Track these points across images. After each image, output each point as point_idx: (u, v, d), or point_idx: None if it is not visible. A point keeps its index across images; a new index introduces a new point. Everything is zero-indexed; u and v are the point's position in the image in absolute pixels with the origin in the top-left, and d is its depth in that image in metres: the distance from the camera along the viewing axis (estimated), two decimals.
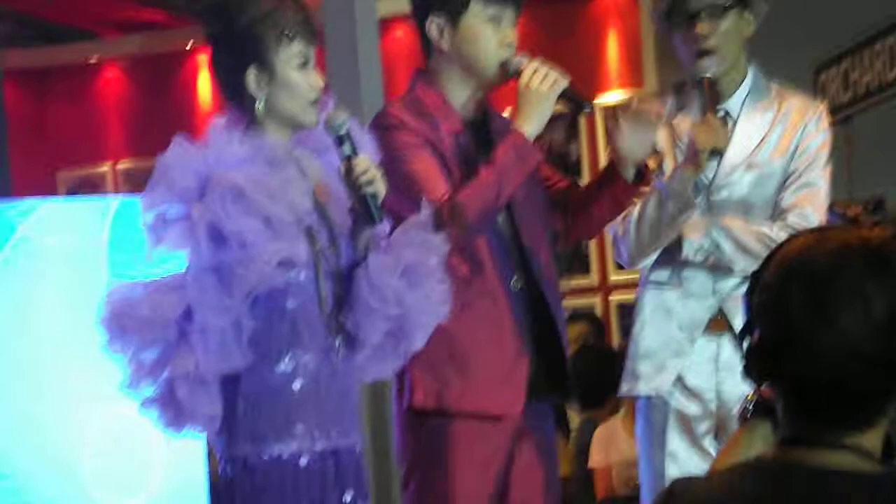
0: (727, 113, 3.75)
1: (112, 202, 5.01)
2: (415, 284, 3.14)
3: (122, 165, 9.29)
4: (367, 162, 3.10)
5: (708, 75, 3.67)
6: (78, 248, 4.74)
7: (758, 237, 3.67)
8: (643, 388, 3.74)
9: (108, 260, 4.74)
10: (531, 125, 3.42)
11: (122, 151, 9.32)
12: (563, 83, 3.43)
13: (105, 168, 9.35)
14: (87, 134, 9.34)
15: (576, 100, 3.48)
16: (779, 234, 3.64)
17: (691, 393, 3.73)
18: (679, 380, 3.72)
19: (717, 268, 3.70)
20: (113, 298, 3.03)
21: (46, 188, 9.07)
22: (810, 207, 3.69)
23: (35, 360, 4.66)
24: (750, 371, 1.92)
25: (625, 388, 3.79)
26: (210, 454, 4.30)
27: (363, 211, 3.09)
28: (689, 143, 3.66)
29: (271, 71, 3.08)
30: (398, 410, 3.51)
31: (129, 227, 4.73)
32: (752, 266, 3.61)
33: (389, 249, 3.15)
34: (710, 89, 3.68)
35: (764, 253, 3.65)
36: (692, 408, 3.72)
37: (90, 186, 9.31)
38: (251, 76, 3.09)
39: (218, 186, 2.96)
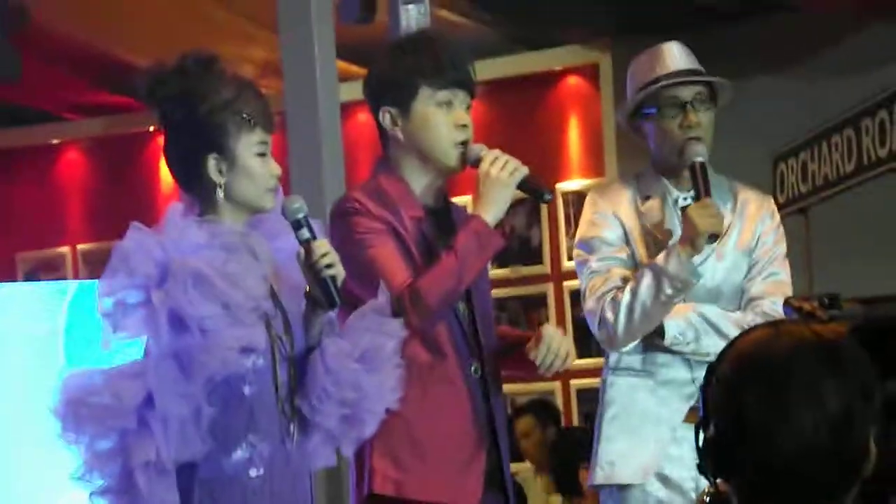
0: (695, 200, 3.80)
1: (69, 286, 4.98)
2: (372, 370, 3.14)
3: (82, 247, 9.25)
4: (326, 245, 3.10)
5: (701, 159, 3.72)
6: (33, 332, 4.70)
7: (737, 325, 3.71)
8: (621, 477, 3.71)
9: (64, 344, 4.70)
10: (491, 212, 3.43)
11: (82, 234, 9.29)
12: (523, 172, 3.44)
13: (64, 250, 9.31)
14: (47, 216, 9.31)
15: (535, 189, 3.50)
16: (755, 321, 3.68)
17: (671, 484, 3.71)
18: (658, 471, 3.71)
19: (694, 355, 3.72)
20: (68, 386, 3.00)
21: (5, 270, 9.02)
22: (780, 297, 3.71)
23: None
24: (705, 466, 1.91)
25: (599, 475, 3.74)
26: None
27: (323, 294, 3.09)
28: (685, 225, 3.69)
29: (232, 158, 3.09)
30: (357, 498, 3.48)
31: (86, 312, 4.70)
32: None
33: (346, 334, 3.15)
34: (703, 174, 3.72)
35: None
36: (673, 499, 3.70)
37: (49, 269, 9.26)
38: (211, 163, 3.08)
39: (179, 272, 2.96)
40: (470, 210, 3.49)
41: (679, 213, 3.77)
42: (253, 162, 3.10)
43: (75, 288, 4.93)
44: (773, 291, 3.78)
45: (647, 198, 3.79)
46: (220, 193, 3.09)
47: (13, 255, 9.30)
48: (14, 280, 8.92)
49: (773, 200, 3.93)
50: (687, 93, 3.76)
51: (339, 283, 3.09)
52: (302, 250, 3.10)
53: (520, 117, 8.06)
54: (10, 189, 9.41)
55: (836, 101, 7.15)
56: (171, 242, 3.02)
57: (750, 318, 3.71)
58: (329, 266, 3.08)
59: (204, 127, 3.07)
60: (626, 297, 3.67)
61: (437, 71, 3.45)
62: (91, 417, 2.96)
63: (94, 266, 9.05)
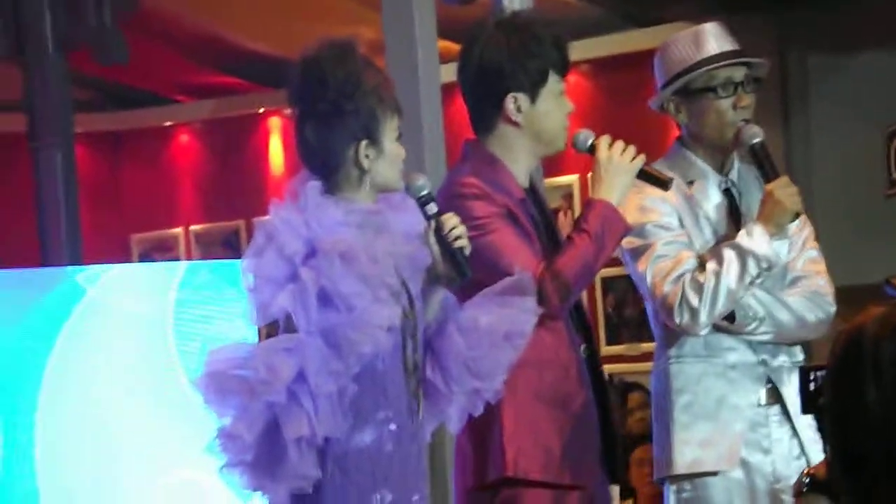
0: (733, 183, 3.78)
1: (180, 266, 5.05)
2: (514, 347, 3.18)
3: (194, 228, 9.38)
4: (455, 218, 3.15)
5: (762, 140, 3.71)
6: (145, 312, 4.78)
7: (806, 306, 3.70)
8: (706, 464, 3.66)
9: (173, 323, 4.78)
10: (615, 195, 3.47)
11: (194, 215, 9.41)
12: (642, 159, 3.50)
13: (177, 231, 9.45)
14: (160, 197, 9.45)
15: (656, 177, 3.54)
16: (805, 298, 3.72)
17: (751, 469, 3.68)
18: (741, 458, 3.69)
19: (756, 335, 3.69)
20: (215, 359, 3.04)
21: (120, 251, 9.17)
22: (824, 277, 3.79)
23: (101, 423, 4.69)
24: (822, 431, 1.90)
25: (680, 464, 3.68)
26: None
27: (454, 267, 3.13)
28: (767, 205, 3.67)
29: (379, 143, 3.13)
30: (475, 482, 3.46)
31: (195, 291, 4.77)
32: (793, 334, 3.64)
33: (483, 311, 3.18)
34: (767, 153, 3.71)
35: (813, 318, 3.69)
36: (754, 484, 3.67)
37: (163, 249, 9.40)
38: (361, 149, 3.12)
39: (328, 250, 3.00)
40: (590, 194, 3.52)
41: (723, 195, 3.75)
42: (395, 147, 3.15)
43: (185, 267, 5.00)
44: (816, 270, 3.78)
45: (690, 182, 3.76)
46: (366, 178, 3.12)
47: (128, 237, 9.45)
48: (129, 260, 9.06)
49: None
50: (738, 74, 3.73)
51: (467, 255, 3.12)
52: (432, 223, 3.15)
53: (625, 96, 8.00)
54: (123, 171, 9.57)
55: None
56: (314, 220, 3.06)
57: (799, 296, 3.72)
58: (459, 238, 3.13)
59: (356, 113, 3.10)
60: (710, 280, 3.62)
61: (564, 61, 3.53)
62: (239, 390, 2.98)
63: (207, 246, 9.19)
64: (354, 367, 2.99)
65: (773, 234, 3.65)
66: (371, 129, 3.11)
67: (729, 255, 3.63)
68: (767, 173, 3.70)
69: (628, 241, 3.69)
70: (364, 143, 3.11)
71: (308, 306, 2.98)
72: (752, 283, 3.65)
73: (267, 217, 3.07)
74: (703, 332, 3.67)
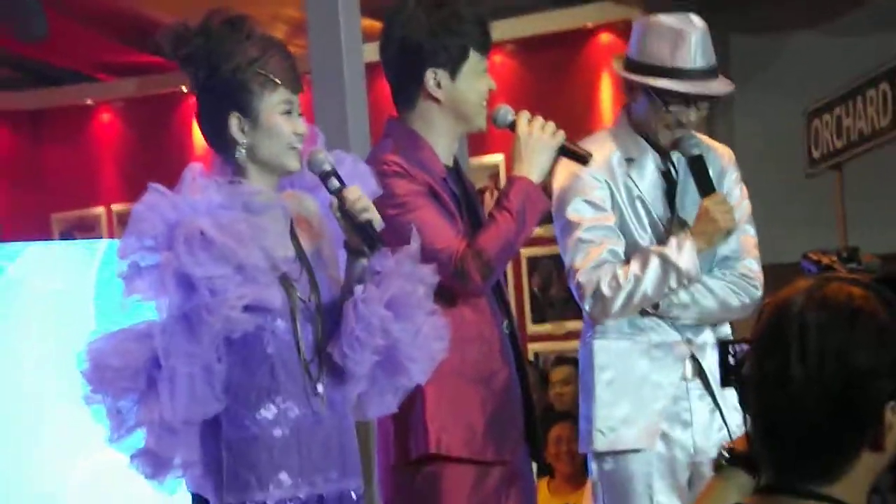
0: (674, 164, 3.77)
1: (100, 244, 5.00)
2: (401, 316, 3.12)
3: (117, 207, 9.29)
4: (358, 191, 3.11)
5: (700, 152, 3.72)
6: (65, 291, 4.72)
7: (731, 291, 3.72)
8: (626, 441, 3.70)
9: (94, 303, 4.73)
10: (535, 172, 3.47)
11: (117, 193, 9.34)
12: (562, 135, 3.47)
13: (99, 210, 9.36)
14: (81, 176, 9.36)
15: (576, 152, 3.51)
16: (735, 283, 3.73)
17: (672, 442, 3.71)
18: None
19: (679, 318, 3.71)
20: (91, 348, 3.04)
21: (40, 230, 9.07)
22: (754, 257, 3.79)
23: (20, 403, 4.64)
24: (743, 404, 1.93)
25: (601, 441, 3.71)
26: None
27: (363, 239, 3.09)
28: (701, 220, 3.67)
29: (255, 117, 3.09)
30: (397, 458, 3.48)
31: (114, 271, 4.72)
32: (718, 317, 3.66)
33: (378, 281, 3.15)
34: (705, 168, 3.72)
35: (737, 303, 3.72)
36: (675, 456, 3.71)
37: (84, 228, 9.32)
38: (233, 122, 3.09)
39: (184, 233, 2.97)
40: (513, 170, 3.51)
41: (661, 176, 3.74)
42: (276, 121, 3.10)
43: (106, 245, 4.95)
44: (748, 251, 3.79)
45: (630, 160, 3.75)
46: (242, 152, 3.09)
47: (48, 215, 9.36)
48: (49, 239, 8.96)
49: (732, 152, 3.89)
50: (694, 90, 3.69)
51: (377, 226, 3.09)
52: (335, 199, 3.11)
53: (551, 75, 8.02)
54: (43, 149, 9.46)
55: (872, 56, 7.09)
56: (186, 203, 3.03)
57: (729, 280, 3.74)
58: (364, 210, 3.09)
59: (226, 86, 3.08)
60: (629, 282, 3.64)
61: (485, 39, 3.53)
62: (109, 379, 3.00)
63: None
64: (210, 347, 2.97)
65: (703, 249, 3.67)
66: (242, 101, 3.08)
67: (654, 263, 3.65)
68: (704, 188, 3.70)
69: (558, 214, 3.71)
70: (235, 115, 3.08)
71: (168, 290, 2.97)
72: (670, 293, 3.66)
73: (139, 201, 3.05)
74: (610, 323, 3.70)
